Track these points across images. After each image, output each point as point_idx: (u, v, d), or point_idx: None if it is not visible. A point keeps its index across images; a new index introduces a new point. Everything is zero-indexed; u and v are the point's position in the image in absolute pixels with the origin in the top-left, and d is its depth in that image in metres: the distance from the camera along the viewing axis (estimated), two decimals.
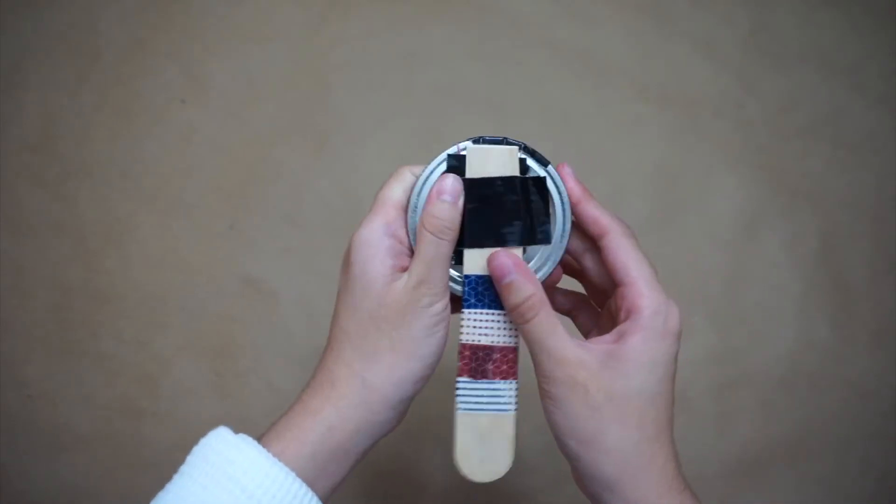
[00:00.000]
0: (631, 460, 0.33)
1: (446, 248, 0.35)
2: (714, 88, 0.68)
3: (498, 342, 0.36)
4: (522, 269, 0.35)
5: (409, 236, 0.36)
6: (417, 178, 0.37)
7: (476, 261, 0.36)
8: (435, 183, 0.36)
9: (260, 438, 0.33)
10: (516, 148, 0.36)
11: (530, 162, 0.37)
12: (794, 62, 0.69)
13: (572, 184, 0.37)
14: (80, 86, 0.69)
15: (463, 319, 0.36)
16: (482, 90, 0.69)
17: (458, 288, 0.36)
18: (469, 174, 0.36)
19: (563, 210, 0.37)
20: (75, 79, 0.69)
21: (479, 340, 0.36)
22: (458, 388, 0.36)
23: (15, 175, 0.67)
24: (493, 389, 0.36)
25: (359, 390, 0.34)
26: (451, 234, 0.35)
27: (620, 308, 0.35)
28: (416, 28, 0.70)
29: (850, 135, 0.68)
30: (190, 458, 0.33)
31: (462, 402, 0.35)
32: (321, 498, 0.32)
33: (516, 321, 0.35)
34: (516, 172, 0.36)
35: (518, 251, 0.36)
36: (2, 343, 0.64)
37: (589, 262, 0.38)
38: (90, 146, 0.68)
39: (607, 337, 0.34)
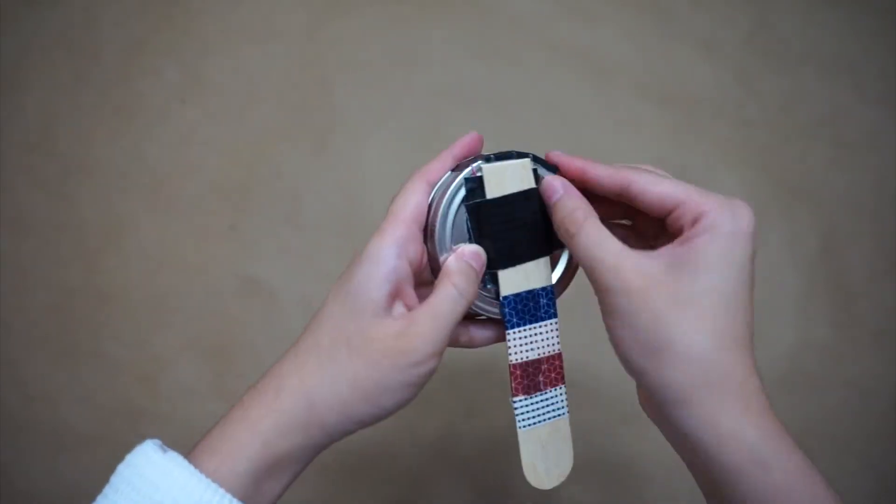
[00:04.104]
0: (703, 371, 0.29)
1: (462, 309, 0.32)
2: (714, 88, 0.68)
3: (544, 353, 0.36)
4: (569, 189, 0.34)
5: (431, 257, 0.35)
6: (435, 195, 0.35)
7: (512, 280, 0.35)
8: (461, 248, 0.34)
9: (194, 448, 0.31)
10: (528, 160, 0.36)
11: (540, 171, 0.36)
12: (795, 62, 0.69)
13: (567, 160, 0.35)
14: (80, 86, 0.69)
15: (508, 341, 0.35)
16: (482, 90, 0.69)
17: (494, 310, 0.35)
18: (489, 195, 0.35)
19: None
20: (75, 79, 0.69)
21: (527, 357, 0.35)
22: (515, 409, 0.35)
23: (15, 175, 0.67)
24: (547, 399, 0.36)
25: (303, 410, 0.31)
26: (472, 298, 0.33)
27: (682, 226, 0.31)
28: (416, 28, 0.70)
29: (850, 135, 0.68)
30: (113, 479, 0.30)
31: (522, 421, 0.35)
32: None
33: (564, 238, 0.33)
34: (532, 184, 0.35)
35: (547, 261, 0.36)
36: (2, 343, 0.64)
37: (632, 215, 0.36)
38: (90, 146, 0.68)
39: (671, 244, 0.31)
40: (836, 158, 0.67)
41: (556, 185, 0.34)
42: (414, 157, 0.68)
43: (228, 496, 0.29)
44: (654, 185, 0.32)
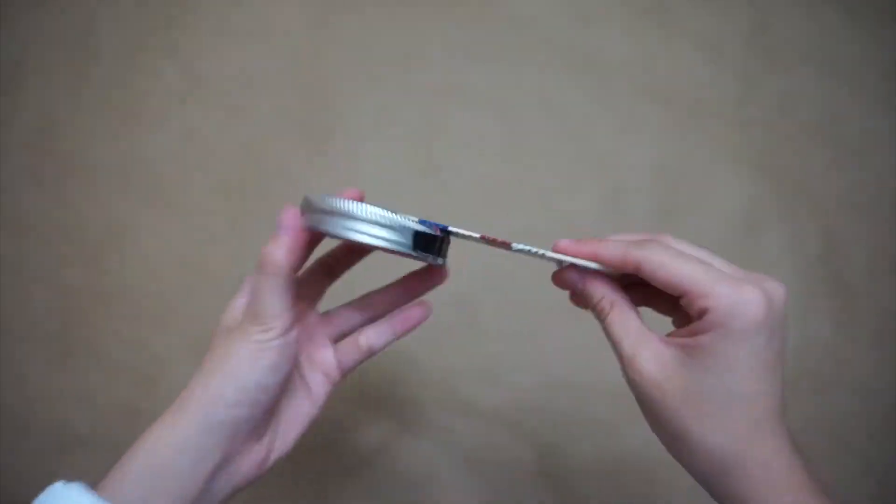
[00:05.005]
0: (721, 459, 0.31)
1: (269, 281, 0.36)
2: (715, 88, 0.68)
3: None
4: (587, 278, 0.36)
5: None
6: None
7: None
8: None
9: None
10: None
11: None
12: (795, 62, 0.69)
13: (577, 248, 0.35)
14: (80, 86, 0.69)
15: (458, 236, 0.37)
16: (482, 90, 0.69)
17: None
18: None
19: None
20: (75, 79, 0.69)
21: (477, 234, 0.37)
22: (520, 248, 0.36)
23: (15, 175, 0.67)
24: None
25: (175, 408, 0.35)
26: (276, 268, 0.36)
27: (690, 314, 0.32)
28: (416, 28, 0.69)
29: (850, 135, 0.68)
30: None
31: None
32: None
33: (600, 322, 0.36)
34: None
35: None
36: (2, 343, 0.64)
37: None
38: (90, 146, 0.68)
39: (683, 331, 0.32)
40: (836, 158, 0.67)
41: (573, 279, 0.36)
42: (413, 157, 0.68)
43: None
44: (662, 268, 0.32)
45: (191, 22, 0.70)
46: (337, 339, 0.42)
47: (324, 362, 0.41)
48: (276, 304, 0.36)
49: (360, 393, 0.63)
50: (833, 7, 0.69)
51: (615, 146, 0.68)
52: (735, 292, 0.30)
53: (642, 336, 0.33)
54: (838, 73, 0.68)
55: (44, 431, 0.63)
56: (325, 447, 0.62)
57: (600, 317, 0.35)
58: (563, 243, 0.35)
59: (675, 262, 0.32)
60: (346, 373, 0.42)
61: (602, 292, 0.35)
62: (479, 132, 0.68)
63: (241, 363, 0.35)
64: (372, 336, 0.42)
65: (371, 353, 0.42)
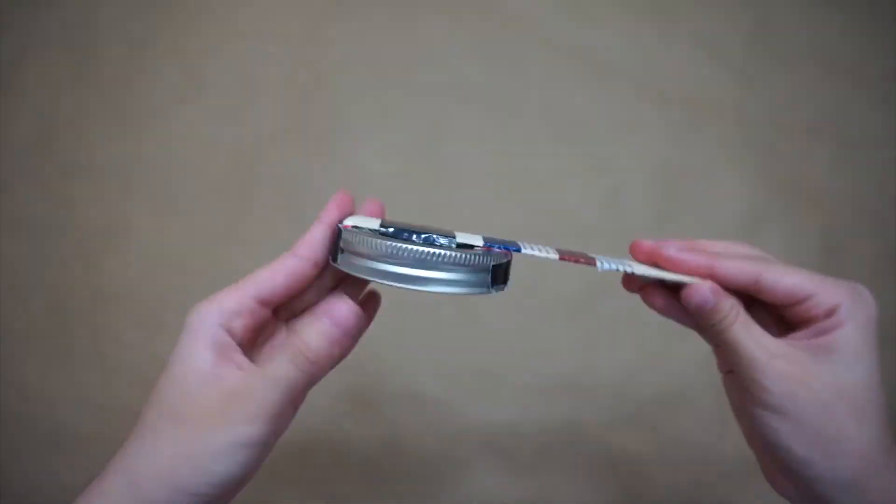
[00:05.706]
0: (872, 457, 0.30)
1: (302, 379, 0.31)
2: (715, 87, 0.68)
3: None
4: (718, 293, 0.33)
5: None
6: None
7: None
8: (332, 307, 0.32)
9: None
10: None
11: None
12: (796, 61, 0.69)
13: (690, 259, 0.34)
14: (80, 85, 0.69)
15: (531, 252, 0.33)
16: (482, 90, 0.69)
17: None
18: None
19: None
20: (75, 78, 0.69)
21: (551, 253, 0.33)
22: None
23: (15, 175, 0.67)
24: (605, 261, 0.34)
25: (123, 491, 0.30)
26: (316, 368, 0.31)
27: (813, 316, 0.32)
28: (416, 27, 0.69)
29: (851, 134, 0.68)
30: None
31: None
32: None
33: (717, 334, 0.33)
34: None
35: None
36: (1, 343, 0.64)
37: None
38: (90, 146, 0.68)
39: (802, 334, 0.32)
40: (836, 158, 0.67)
41: (707, 297, 0.32)
42: (413, 157, 0.68)
43: None
44: (784, 277, 0.33)
45: (191, 22, 0.70)
46: None
47: None
48: (273, 406, 0.31)
49: (358, 392, 0.63)
50: (834, 6, 0.69)
51: (615, 146, 0.68)
52: (853, 288, 0.33)
53: (772, 339, 0.32)
54: (839, 72, 0.68)
55: (44, 431, 0.63)
56: (324, 448, 0.62)
57: (721, 326, 0.32)
58: (672, 250, 0.34)
59: (789, 270, 0.33)
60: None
61: (732, 300, 0.33)
62: (479, 132, 0.68)
63: (216, 457, 0.30)
64: None
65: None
